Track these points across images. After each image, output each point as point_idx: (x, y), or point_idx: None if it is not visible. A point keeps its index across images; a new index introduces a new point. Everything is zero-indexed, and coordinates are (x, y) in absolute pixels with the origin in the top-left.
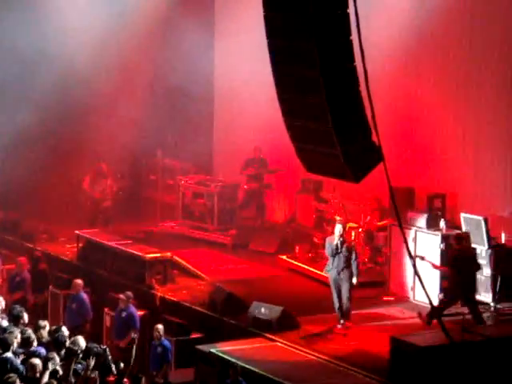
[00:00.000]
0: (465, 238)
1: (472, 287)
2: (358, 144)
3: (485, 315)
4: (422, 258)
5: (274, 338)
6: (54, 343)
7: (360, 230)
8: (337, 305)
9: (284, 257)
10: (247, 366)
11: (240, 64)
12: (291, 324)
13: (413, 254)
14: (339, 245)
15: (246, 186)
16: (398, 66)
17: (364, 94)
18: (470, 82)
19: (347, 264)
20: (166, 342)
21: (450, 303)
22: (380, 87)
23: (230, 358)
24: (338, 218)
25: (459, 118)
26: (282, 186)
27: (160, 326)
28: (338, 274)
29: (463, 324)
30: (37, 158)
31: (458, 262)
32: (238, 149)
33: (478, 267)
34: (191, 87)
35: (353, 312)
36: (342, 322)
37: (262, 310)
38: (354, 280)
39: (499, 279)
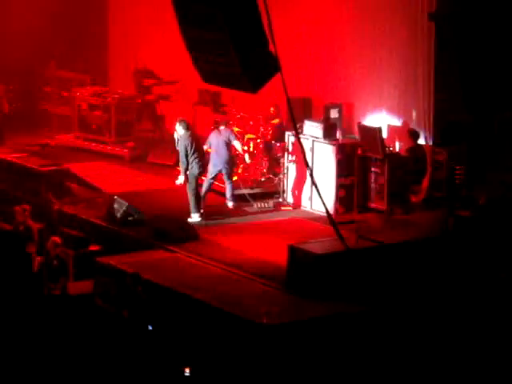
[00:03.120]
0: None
1: None
2: (255, 54)
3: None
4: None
5: (173, 249)
6: None
7: (258, 140)
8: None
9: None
10: (146, 277)
11: None
12: (190, 235)
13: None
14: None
15: (140, 100)
16: None
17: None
18: None
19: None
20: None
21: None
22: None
23: (131, 270)
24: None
25: (356, 29)
26: (180, 97)
27: (56, 239)
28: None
29: (358, 231)
30: None
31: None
32: (133, 60)
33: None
34: None
35: (251, 222)
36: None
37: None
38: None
39: (392, 186)
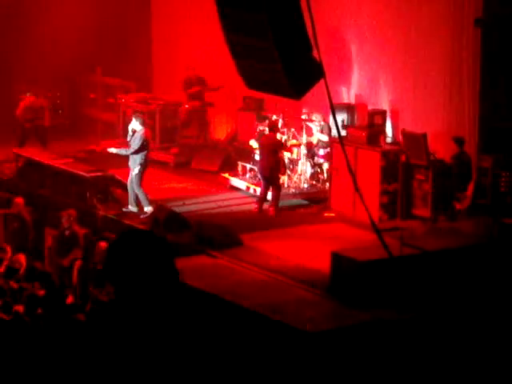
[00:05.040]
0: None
1: None
2: (298, 60)
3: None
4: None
5: (216, 254)
6: None
7: (302, 146)
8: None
9: (226, 175)
10: (188, 283)
11: None
12: (234, 241)
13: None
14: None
15: (187, 106)
16: None
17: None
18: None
19: None
20: None
21: None
22: (323, 4)
23: None
24: None
25: (401, 36)
26: (224, 104)
27: (102, 244)
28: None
29: (402, 238)
30: None
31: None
32: (178, 67)
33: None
34: (129, 4)
35: (294, 228)
36: None
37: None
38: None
39: (437, 194)
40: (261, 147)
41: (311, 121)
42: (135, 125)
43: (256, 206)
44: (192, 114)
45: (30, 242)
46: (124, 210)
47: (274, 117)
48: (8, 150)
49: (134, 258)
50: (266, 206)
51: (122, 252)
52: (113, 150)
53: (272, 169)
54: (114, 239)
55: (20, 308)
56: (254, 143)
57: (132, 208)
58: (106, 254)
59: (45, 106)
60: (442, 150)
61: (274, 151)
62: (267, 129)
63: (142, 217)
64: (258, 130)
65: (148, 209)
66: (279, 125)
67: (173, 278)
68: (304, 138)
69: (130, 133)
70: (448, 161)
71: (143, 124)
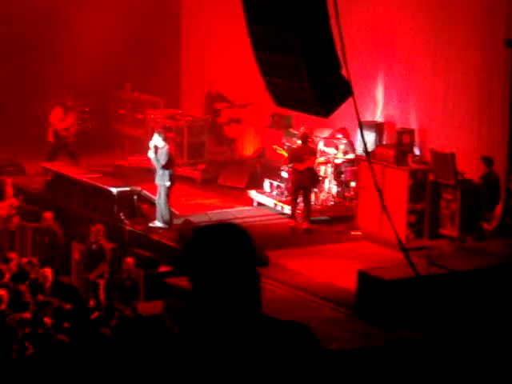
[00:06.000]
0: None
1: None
2: (327, 78)
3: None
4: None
5: None
6: (22, 275)
7: (329, 164)
8: None
9: (253, 191)
10: None
11: None
12: (260, 259)
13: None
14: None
15: (212, 120)
16: None
17: (335, 27)
18: (442, 16)
19: None
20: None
21: None
22: (353, 23)
23: None
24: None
25: (430, 55)
26: (252, 121)
27: (129, 260)
28: None
29: (429, 257)
30: (3, 91)
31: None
32: (207, 83)
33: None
34: (158, 21)
35: (320, 245)
36: None
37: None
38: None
39: (464, 213)
40: (295, 159)
41: (337, 138)
42: (157, 141)
43: (296, 223)
44: (218, 129)
45: (59, 256)
46: (150, 225)
47: (302, 128)
48: (37, 165)
49: (217, 251)
50: (291, 220)
51: (206, 245)
52: (151, 156)
53: (308, 180)
54: (194, 232)
55: (48, 321)
56: (281, 151)
57: (159, 224)
58: (187, 247)
59: (74, 121)
60: (471, 170)
61: (309, 162)
62: (299, 141)
63: (150, 225)
64: (285, 147)
65: (160, 224)
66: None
67: (255, 277)
68: (330, 156)
69: (152, 149)
70: (476, 180)
71: (165, 140)
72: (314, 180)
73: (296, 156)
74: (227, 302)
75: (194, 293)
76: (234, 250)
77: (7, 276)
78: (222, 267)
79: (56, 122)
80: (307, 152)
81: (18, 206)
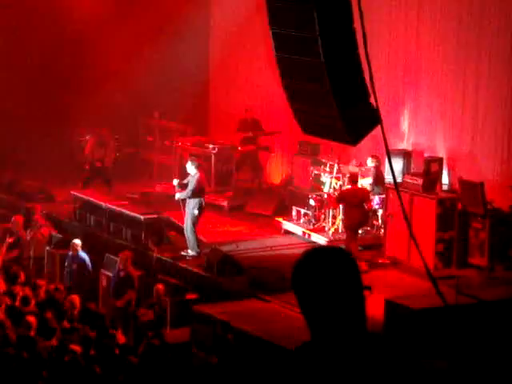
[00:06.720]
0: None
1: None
2: (355, 106)
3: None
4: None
5: (269, 299)
6: (50, 302)
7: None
8: None
9: (280, 219)
10: (241, 327)
11: (235, 24)
12: (287, 286)
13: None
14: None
15: (240, 148)
16: (397, 26)
17: (362, 55)
18: (471, 43)
19: None
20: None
21: None
22: (381, 51)
23: (224, 318)
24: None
25: (459, 83)
26: (280, 148)
27: (160, 286)
28: None
29: (458, 287)
30: (33, 118)
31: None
32: (235, 110)
33: None
34: (186, 48)
35: None
36: None
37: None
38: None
39: (494, 243)
40: (347, 201)
41: (364, 167)
42: (190, 169)
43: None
44: (246, 157)
45: (88, 283)
46: (183, 253)
47: (350, 167)
48: (66, 192)
49: (326, 275)
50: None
51: (316, 269)
52: (178, 196)
53: (361, 222)
54: (303, 256)
55: (77, 348)
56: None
57: (192, 252)
58: (298, 269)
59: (110, 152)
60: (499, 199)
61: (361, 203)
62: (347, 184)
63: (182, 253)
64: (312, 175)
65: (192, 253)
66: (334, 171)
67: (360, 300)
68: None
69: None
70: (505, 210)
71: (198, 168)
72: (364, 222)
73: (346, 199)
74: (340, 321)
75: (307, 313)
76: (345, 273)
77: (34, 302)
78: (335, 289)
79: (91, 154)
80: (361, 195)
81: (48, 234)
